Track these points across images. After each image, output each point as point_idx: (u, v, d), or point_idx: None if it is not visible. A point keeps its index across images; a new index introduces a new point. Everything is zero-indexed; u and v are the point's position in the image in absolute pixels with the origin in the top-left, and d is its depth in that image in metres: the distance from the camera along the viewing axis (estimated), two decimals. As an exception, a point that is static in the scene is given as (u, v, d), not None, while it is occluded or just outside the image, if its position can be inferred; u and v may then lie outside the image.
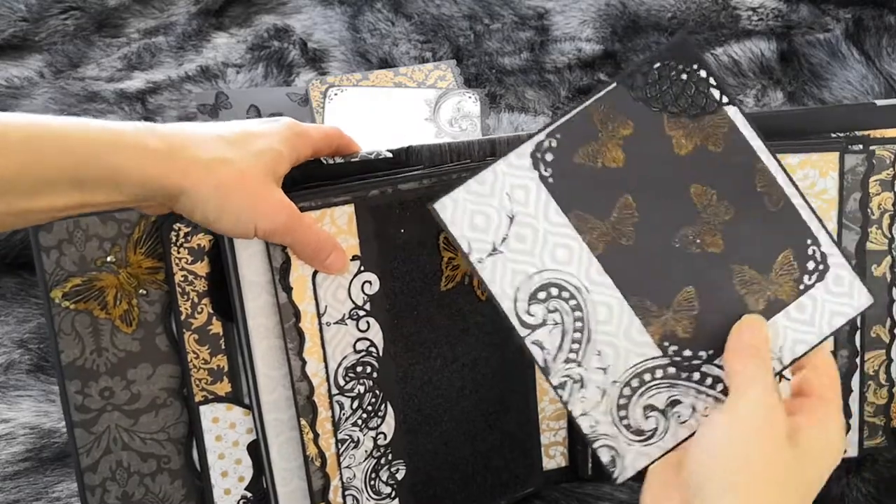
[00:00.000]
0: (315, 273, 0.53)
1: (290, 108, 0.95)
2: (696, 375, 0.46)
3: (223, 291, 0.55)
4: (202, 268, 0.55)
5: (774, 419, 0.43)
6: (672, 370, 0.46)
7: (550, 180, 0.46)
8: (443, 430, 0.60)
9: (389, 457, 0.58)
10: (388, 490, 0.59)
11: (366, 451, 0.57)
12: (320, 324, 0.54)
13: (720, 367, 0.46)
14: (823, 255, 0.47)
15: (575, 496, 0.66)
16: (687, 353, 0.46)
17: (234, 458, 0.58)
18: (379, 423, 0.57)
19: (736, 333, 0.46)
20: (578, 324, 0.46)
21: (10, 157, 0.42)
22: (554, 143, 0.46)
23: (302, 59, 1.04)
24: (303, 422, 0.55)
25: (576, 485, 0.66)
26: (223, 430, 0.57)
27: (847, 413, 0.64)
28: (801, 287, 0.47)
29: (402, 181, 0.55)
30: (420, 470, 0.60)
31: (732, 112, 0.47)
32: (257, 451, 0.58)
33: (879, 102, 0.62)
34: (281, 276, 0.53)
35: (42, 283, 0.53)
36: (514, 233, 0.46)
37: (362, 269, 0.55)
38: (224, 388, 0.57)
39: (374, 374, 0.57)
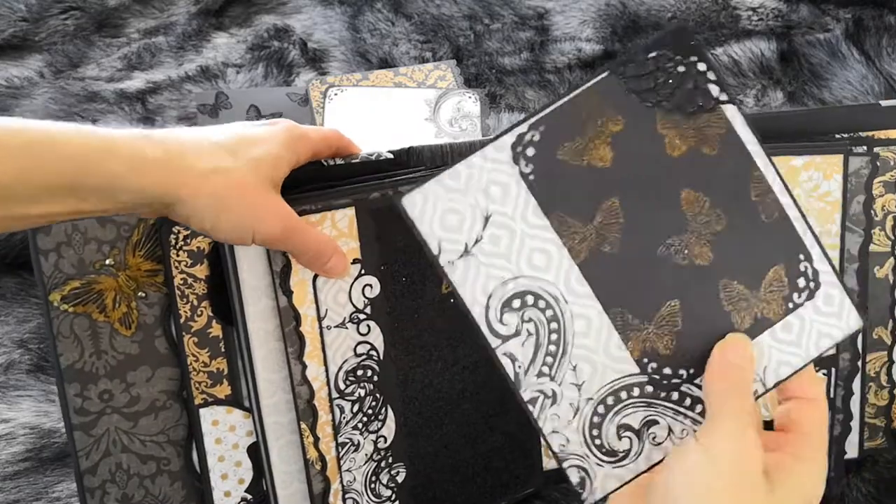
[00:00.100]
0: (315, 276, 0.53)
1: (290, 108, 0.95)
2: (675, 395, 0.43)
3: (223, 295, 0.54)
4: (202, 271, 0.55)
5: (750, 454, 0.40)
6: (650, 389, 0.43)
7: (531, 177, 0.42)
8: (443, 432, 0.60)
9: (390, 460, 0.58)
10: (388, 493, 0.58)
11: (366, 455, 0.57)
12: (321, 327, 0.54)
13: (700, 387, 0.43)
14: (815, 272, 0.44)
15: (575, 496, 0.66)
16: (667, 371, 0.43)
17: (234, 461, 0.58)
18: (379, 426, 0.57)
19: (719, 352, 0.42)
20: (554, 336, 0.42)
21: (8, 162, 0.42)
22: (537, 137, 0.42)
23: (302, 59, 1.03)
24: (303, 425, 0.55)
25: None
26: (223, 432, 0.57)
27: (848, 415, 0.64)
28: (790, 305, 0.44)
29: (403, 183, 0.55)
30: (420, 472, 0.59)
31: (731, 112, 0.43)
32: (257, 453, 0.58)
33: (884, 103, 0.62)
34: (281, 279, 0.53)
35: (41, 286, 0.53)
36: (490, 234, 0.42)
37: (363, 272, 0.55)
38: (224, 391, 0.57)
39: (375, 378, 0.56)
